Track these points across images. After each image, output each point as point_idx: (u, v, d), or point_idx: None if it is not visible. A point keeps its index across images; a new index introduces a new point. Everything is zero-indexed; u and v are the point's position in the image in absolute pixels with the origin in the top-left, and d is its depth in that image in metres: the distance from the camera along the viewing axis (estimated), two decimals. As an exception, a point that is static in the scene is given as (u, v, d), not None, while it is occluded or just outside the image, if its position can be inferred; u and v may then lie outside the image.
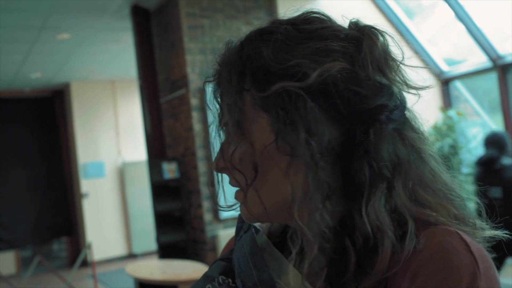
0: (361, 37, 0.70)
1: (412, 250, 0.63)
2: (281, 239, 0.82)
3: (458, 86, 6.89)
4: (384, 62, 0.70)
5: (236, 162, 0.71)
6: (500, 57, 6.03)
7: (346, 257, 0.66)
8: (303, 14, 0.74)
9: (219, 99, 0.75)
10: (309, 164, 0.65)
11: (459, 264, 0.60)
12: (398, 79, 0.71)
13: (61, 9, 5.46)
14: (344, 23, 0.73)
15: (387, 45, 0.71)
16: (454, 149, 5.76)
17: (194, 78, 5.22)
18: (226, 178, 0.78)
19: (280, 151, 0.67)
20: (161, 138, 5.82)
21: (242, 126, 0.69)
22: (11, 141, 9.02)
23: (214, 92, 0.76)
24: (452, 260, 0.60)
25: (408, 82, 0.72)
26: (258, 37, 0.72)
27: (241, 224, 0.83)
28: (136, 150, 9.32)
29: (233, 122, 0.70)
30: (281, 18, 0.74)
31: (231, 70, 0.71)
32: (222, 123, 0.75)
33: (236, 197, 0.75)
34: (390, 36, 0.72)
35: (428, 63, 6.74)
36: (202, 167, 5.24)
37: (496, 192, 3.95)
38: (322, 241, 0.65)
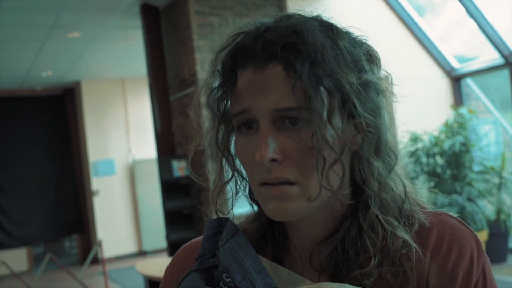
0: (368, 46, 0.77)
1: (420, 227, 0.74)
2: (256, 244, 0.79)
3: (470, 84, 6.83)
4: None
5: (324, 147, 0.67)
6: (512, 54, 5.98)
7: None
8: (322, 17, 0.76)
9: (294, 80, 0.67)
10: (384, 144, 0.74)
11: (465, 235, 0.73)
12: None
13: (71, 7, 5.48)
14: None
15: None
16: (466, 147, 5.71)
17: (203, 76, 5.22)
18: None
19: (348, 134, 0.71)
20: (171, 136, 5.83)
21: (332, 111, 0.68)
22: (22, 139, 9.08)
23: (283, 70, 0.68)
24: (459, 233, 0.73)
25: None
26: (326, 28, 0.72)
27: (216, 230, 0.77)
28: (146, 147, 9.34)
29: (334, 105, 0.68)
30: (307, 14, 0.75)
31: (317, 59, 0.67)
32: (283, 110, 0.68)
33: (287, 190, 0.68)
34: None
35: (439, 60, 6.69)
36: (211, 164, 5.24)
37: None
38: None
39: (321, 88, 0.66)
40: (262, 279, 0.70)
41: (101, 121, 9.35)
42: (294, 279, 0.74)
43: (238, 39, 0.73)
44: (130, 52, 7.52)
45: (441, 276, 0.71)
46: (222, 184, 0.80)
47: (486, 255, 0.74)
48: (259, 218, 0.81)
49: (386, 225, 0.73)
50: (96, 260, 8.45)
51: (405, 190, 0.76)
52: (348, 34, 0.74)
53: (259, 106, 0.69)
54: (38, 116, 9.39)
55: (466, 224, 0.75)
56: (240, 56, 0.71)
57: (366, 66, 0.72)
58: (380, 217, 0.73)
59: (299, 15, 0.74)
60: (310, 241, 0.76)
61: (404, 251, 0.71)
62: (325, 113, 0.67)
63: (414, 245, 0.71)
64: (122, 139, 9.52)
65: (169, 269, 0.87)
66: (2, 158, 8.90)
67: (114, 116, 9.48)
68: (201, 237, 0.84)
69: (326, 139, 0.67)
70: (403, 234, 0.72)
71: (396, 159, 0.75)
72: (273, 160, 0.67)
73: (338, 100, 0.68)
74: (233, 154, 0.80)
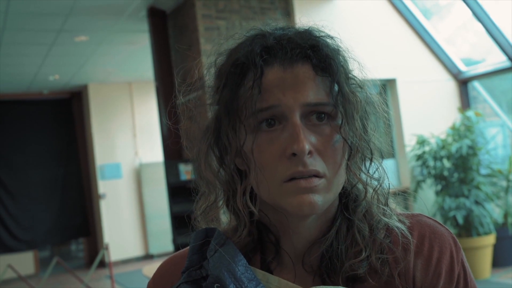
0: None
1: (400, 226, 0.77)
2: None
3: (477, 87, 6.81)
4: None
5: (366, 141, 0.76)
6: (519, 57, 5.94)
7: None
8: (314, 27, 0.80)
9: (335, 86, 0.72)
10: (372, 143, 0.80)
11: (443, 233, 0.78)
12: None
13: (78, 11, 5.51)
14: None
15: None
16: (473, 150, 5.69)
17: (210, 80, 5.22)
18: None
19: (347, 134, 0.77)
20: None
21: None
22: (29, 143, 9.12)
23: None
24: (437, 231, 0.78)
25: None
26: (331, 41, 0.77)
27: (203, 241, 0.76)
28: (152, 151, 9.36)
29: (360, 102, 0.76)
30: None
31: (339, 61, 0.74)
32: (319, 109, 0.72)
33: (317, 182, 0.70)
34: None
35: (446, 63, 6.67)
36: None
37: None
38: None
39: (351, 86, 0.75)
40: (255, 287, 0.70)
41: (108, 125, 9.37)
42: (284, 286, 0.74)
43: (257, 40, 0.75)
44: (137, 56, 7.55)
45: (427, 272, 0.76)
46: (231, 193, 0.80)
47: (462, 251, 0.79)
48: (249, 233, 0.78)
49: (376, 217, 0.78)
50: (102, 264, 8.47)
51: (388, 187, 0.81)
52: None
53: (289, 101, 0.70)
54: (45, 120, 9.43)
55: (441, 223, 0.80)
56: (268, 54, 0.73)
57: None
58: (369, 211, 0.78)
59: (292, 27, 0.78)
60: (303, 245, 0.76)
61: (389, 240, 0.76)
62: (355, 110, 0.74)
63: (401, 226, 0.76)
64: (129, 142, 9.55)
65: (152, 285, 0.85)
66: (9, 161, 8.94)
67: (121, 119, 9.51)
68: (183, 250, 0.84)
69: (361, 134, 0.74)
70: (393, 221, 0.77)
71: (382, 159, 0.81)
72: (309, 153, 0.70)
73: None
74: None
